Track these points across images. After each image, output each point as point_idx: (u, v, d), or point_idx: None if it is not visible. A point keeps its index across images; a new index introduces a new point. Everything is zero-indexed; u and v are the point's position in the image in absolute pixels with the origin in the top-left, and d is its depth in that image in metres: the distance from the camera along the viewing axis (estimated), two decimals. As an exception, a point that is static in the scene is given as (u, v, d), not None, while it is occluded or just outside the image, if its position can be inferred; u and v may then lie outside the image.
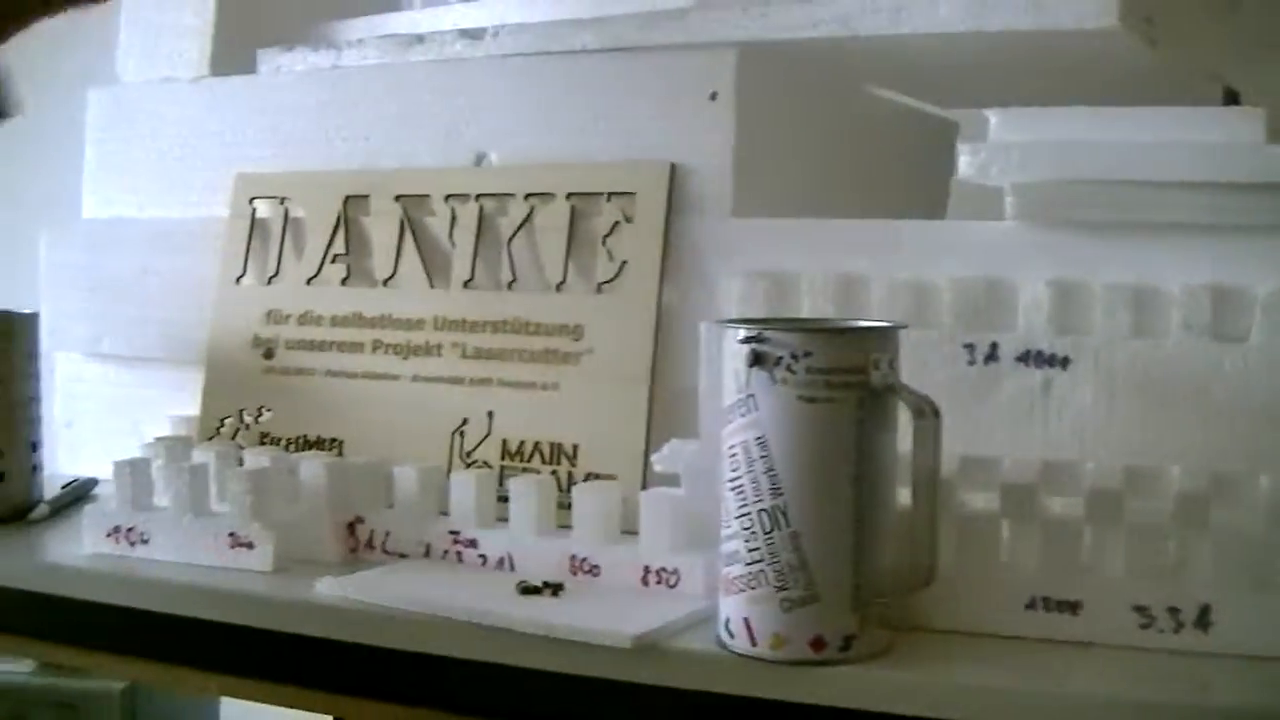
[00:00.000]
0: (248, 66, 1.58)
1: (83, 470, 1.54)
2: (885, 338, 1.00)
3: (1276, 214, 1.10)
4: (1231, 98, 1.48)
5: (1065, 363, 1.09)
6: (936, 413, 0.97)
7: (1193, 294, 1.09)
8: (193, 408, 1.48)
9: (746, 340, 0.97)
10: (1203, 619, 1.00)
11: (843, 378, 0.96)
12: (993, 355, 1.11)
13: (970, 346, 1.12)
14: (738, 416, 0.98)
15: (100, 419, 1.64)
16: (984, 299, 1.15)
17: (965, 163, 1.16)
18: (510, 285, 1.35)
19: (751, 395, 0.97)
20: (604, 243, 1.31)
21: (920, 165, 1.57)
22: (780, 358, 0.96)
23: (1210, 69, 1.45)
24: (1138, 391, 1.08)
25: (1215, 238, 1.12)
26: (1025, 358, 1.10)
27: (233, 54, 1.58)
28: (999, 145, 1.16)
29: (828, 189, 1.40)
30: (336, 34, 1.61)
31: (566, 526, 1.19)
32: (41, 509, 1.40)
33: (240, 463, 1.32)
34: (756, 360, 0.96)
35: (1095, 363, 1.09)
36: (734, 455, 0.98)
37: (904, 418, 1.00)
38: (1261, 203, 1.10)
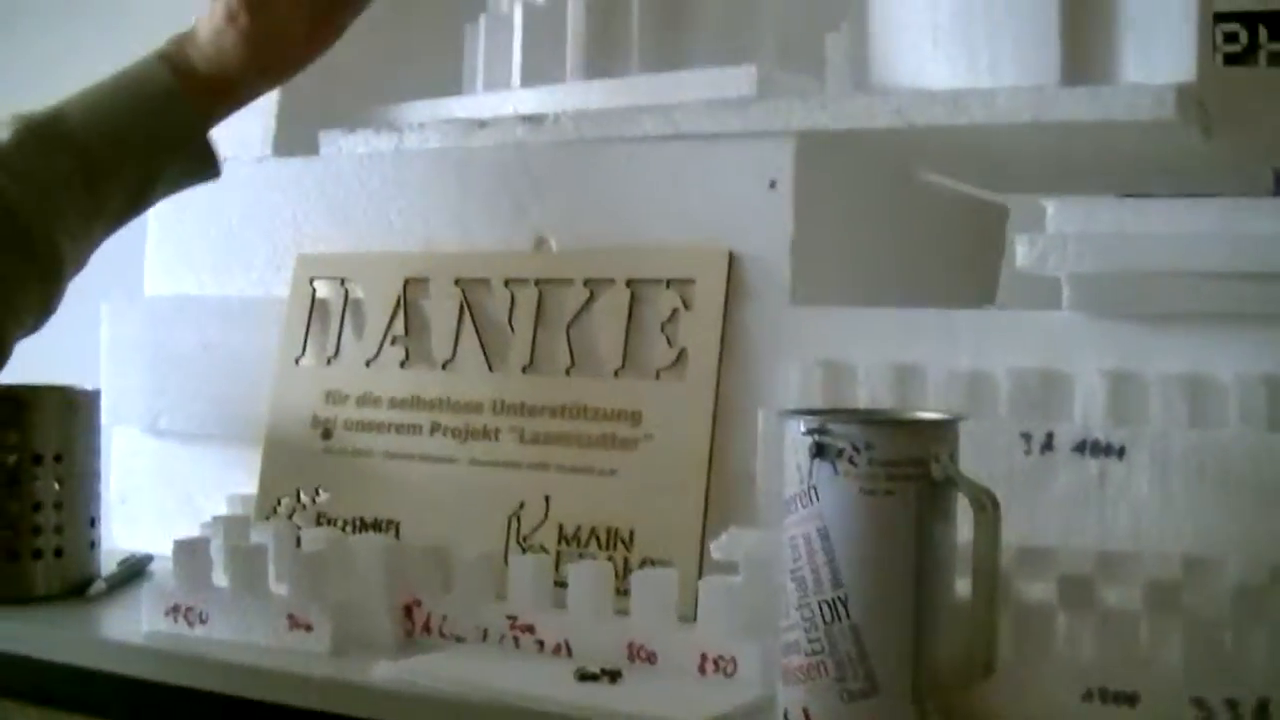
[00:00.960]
0: (310, 148, 1.59)
1: (136, 545, 1.56)
2: (946, 430, 1.00)
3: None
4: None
5: (1121, 452, 1.09)
6: (996, 505, 0.98)
7: (1247, 384, 1.09)
8: (248, 486, 1.49)
9: (809, 432, 0.97)
10: (1261, 713, 0.99)
11: (904, 470, 0.97)
12: (1049, 445, 1.11)
13: (1027, 436, 1.12)
14: (799, 508, 0.98)
15: (155, 495, 1.65)
16: (1040, 389, 1.15)
17: (1022, 253, 1.16)
18: (569, 370, 1.35)
19: (814, 487, 0.97)
20: (663, 329, 1.32)
21: (971, 250, 1.58)
22: (842, 449, 0.96)
23: (1262, 155, 1.45)
24: (1194, 481, 1.07)
25: (1270, 328, 1.12)
26: (1081, 447, 1.10)
27: (296, 135, 1.60)
28: (1056, 236, 1.16)
29: (883, 276, 1.41)
30: (399, 117, 1.62)
31: (622, 612, 1.19)
32: (99, 585, 1.41)
33: (298, 543, 1.33)
34: (819, 452, 0.97)
35: (1151, 453, 1.08)
36: (795, 546, 0.98)
37: (961, 506, 1.00)
38: (1315, 293, 1.11)
